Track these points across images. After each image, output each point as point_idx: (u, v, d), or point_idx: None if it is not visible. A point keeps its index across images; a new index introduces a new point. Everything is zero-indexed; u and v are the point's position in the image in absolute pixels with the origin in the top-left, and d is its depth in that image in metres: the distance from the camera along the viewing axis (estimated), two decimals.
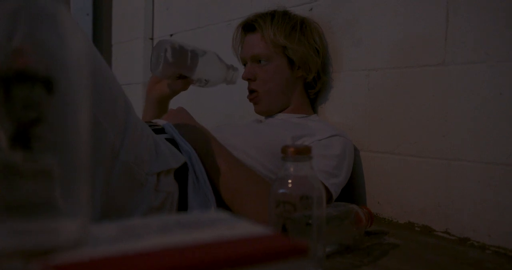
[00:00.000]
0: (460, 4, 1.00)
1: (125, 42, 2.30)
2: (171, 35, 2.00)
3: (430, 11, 1.06)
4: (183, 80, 1.16)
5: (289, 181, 0.66)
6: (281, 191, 0.66)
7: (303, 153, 0.67)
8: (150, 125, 1.00)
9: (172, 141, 1.00)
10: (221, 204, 0.98)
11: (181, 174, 0.95)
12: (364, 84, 1.21)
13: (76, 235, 0.35)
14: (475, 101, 0.97)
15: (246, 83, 1.30)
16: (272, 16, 1.26)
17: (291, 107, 1.29)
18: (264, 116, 1.34)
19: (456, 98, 1.01)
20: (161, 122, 1.08)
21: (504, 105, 0.93)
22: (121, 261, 0.32)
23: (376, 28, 1.18)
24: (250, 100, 1.29)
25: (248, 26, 1.30)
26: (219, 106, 1.73)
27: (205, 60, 1.13)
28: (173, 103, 1.37)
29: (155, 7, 2.13)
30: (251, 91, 1.28)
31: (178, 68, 1.12)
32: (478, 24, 0.97)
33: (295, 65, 1.25)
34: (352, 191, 1.22)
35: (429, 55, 1.06)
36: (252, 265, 0.33)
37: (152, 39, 2.14)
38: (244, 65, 1.32)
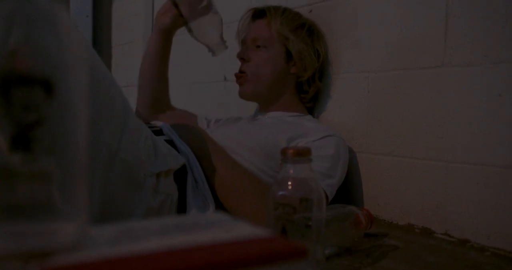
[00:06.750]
0: (459, 6, 1.00)
1: (125, 44, 2.30)
2: None
3: (429, 13, 1.06)
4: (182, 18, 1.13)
5: (289, 183, 0.66)
6: (280, 193, 0.66)
7: (303, 154, 0.67)
8: (148, 127, 1.00)
9: (171, 142, 1.00)
10: (220, 206, 0.98)
11: (180, 176, 0.95)
12: (363, 86, 1.21)
13: (75, 237, 0.35)
14: (474, 103, 0.97)
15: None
16: (285, 9, 1.28)
17: (281, 104, 1.27)
18: (258, 114, 1.33)
19: (455, 100, 1.01)
20: (159, 123, 1.08)
21: (503, 107, 0.93)
22: (119, 263, 0.32)
23: (375, 30, 1.19)
24: (237, 81, 1.28)
25: (258, 13, 1.30)
26: (215, 107, 1.73)
27: (214, 17, 1.11)
28: (172, 103, 1.36)
29: (155, 9, 2.13)
30: (240, 72, 1.27)
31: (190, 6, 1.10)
32: (477, 26, 0.97)
33: (292, 60, 1.25)
34: (351, 192, 1.22)
35: (428, 57, 1.06)
36: (250, 267, 0.33)
37: None
38: None
